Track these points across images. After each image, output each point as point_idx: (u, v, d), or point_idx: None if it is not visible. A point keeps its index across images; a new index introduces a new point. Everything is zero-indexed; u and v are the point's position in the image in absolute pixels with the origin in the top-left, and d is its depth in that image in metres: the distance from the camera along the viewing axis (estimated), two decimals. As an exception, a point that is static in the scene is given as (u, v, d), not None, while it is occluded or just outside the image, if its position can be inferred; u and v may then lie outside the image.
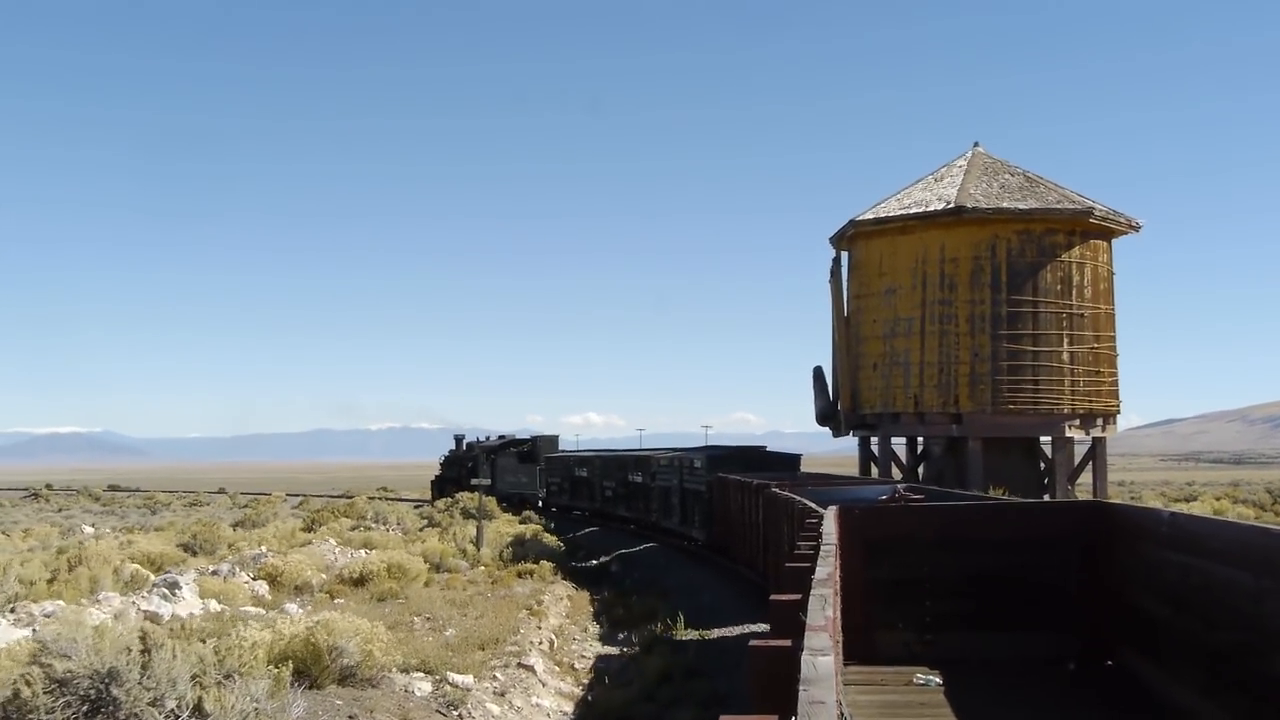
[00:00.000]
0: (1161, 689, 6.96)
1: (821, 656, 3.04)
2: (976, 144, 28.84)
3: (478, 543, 27.53)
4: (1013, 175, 27.27)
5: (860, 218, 27.40)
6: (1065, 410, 25.75)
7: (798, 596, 4.46)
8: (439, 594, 20.45)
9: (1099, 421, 26.72)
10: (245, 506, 67.21)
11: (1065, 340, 25.75)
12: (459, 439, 63.53)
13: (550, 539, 31.19)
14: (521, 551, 27.32)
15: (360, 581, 19.99)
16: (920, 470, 29.07)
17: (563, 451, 51.65)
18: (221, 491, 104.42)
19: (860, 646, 7.90)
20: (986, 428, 25.70)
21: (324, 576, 21.37)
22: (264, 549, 23.29)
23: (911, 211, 26.44)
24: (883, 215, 27.01)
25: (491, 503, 41.29)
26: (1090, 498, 27.02)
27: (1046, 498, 26.10)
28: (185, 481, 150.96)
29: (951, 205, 25.79)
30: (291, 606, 17.20)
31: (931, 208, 26.16)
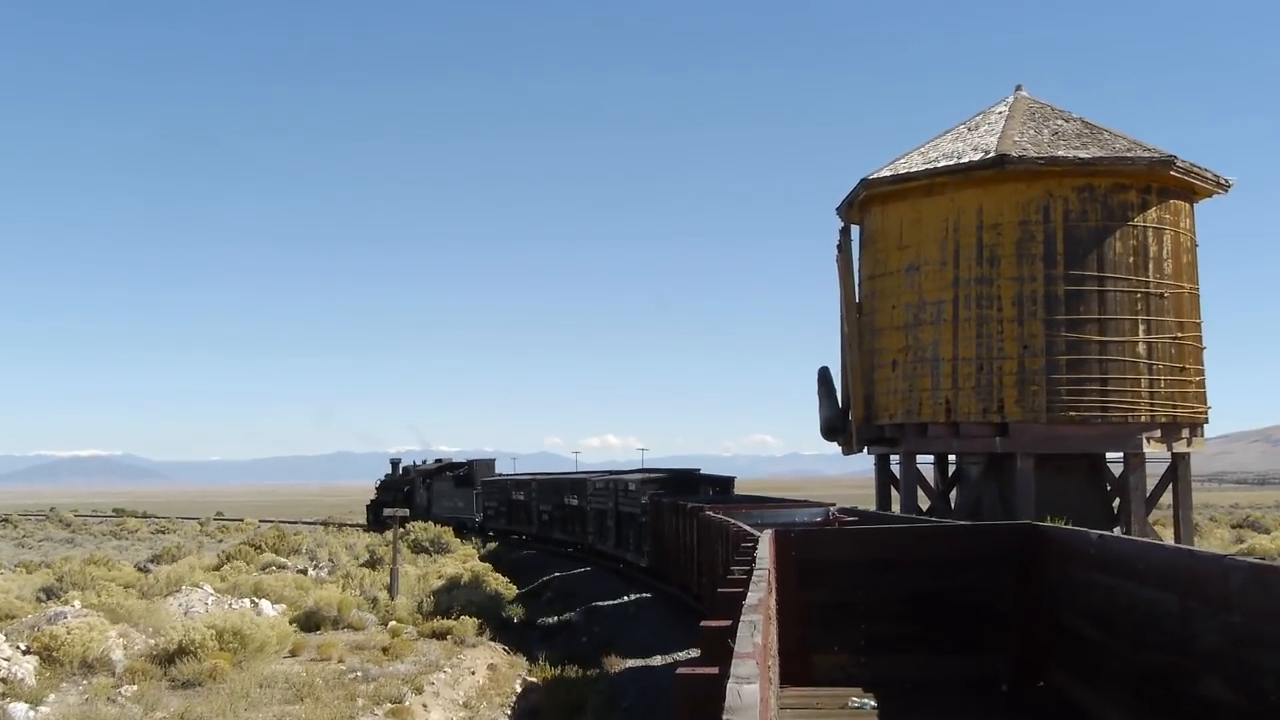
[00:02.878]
0: (1092, 710, 6.91)
1: (747, 685, 2.94)
2: (1019, 87, 23.12)
3: (391, 590, 21.84)
4: (1067, 121, 21.52)
5: (874, 176, 21.68)
6: (1142, 418, 19.89)
7: (728, 622, 4.29)
8: (293, 671, 14.78)
9: (1183, 433, 20.85)
10: (210, 534, 62.08)
11: (1141, 327, 19.93)
12: (395, 463, 61.79)
13: (495, 580, 25.45)
14: (448, 600, 21.62)
15: (175, 656, 14.33)
16: (953, 496, 23.25)
17: (500, 475, 50.38)
18: (219, 516, 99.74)
19: (796, 669, 7.82)
20: (1040, 441, 19.88)
21: (149, 643, 15.72)
22: (76, 604, 17.62)
23: (940, 165, 20.69)
24: (903, 172, 21.28)
25: (447, 533, 35.69)
26: (1174, 541, 21.25)
27: (1118, 531, 20.26)
28: (201, 505, 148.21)
29: (992, 155, 20.06)
30: (19, 709, 11.51)
31: (966, 159, 20.44)
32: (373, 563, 31.63)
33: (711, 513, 16.08)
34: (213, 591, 20.83)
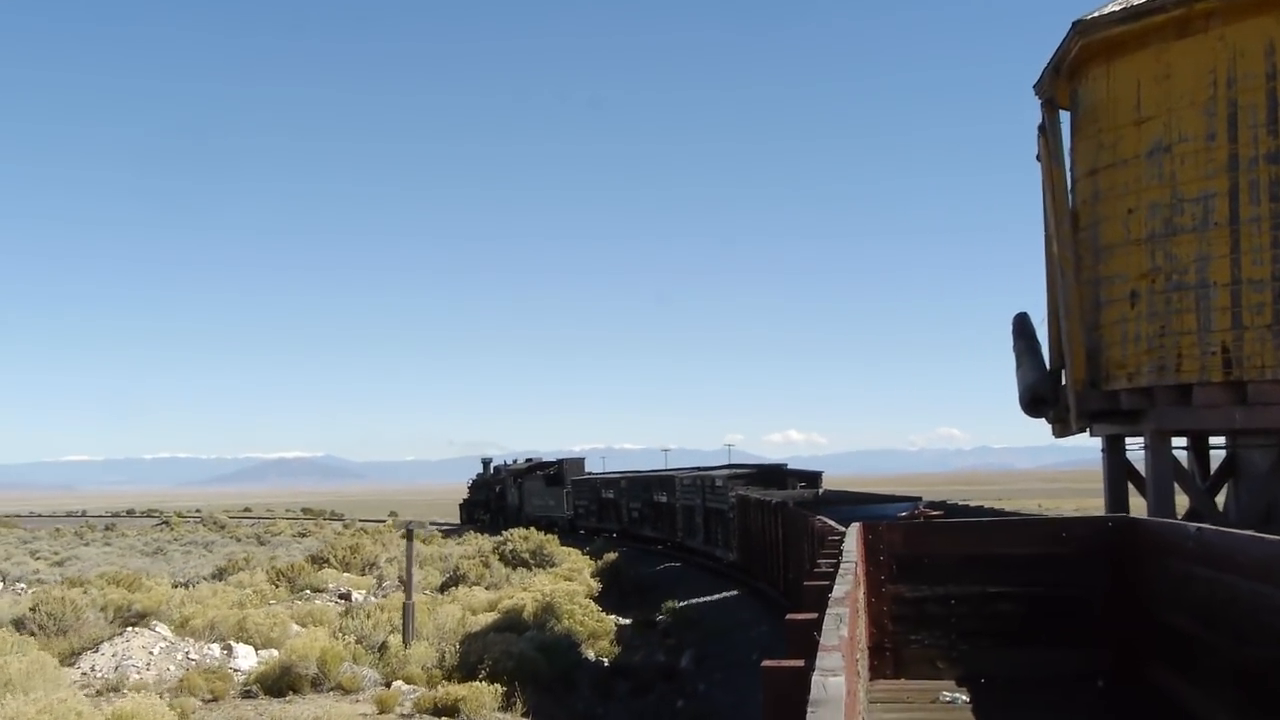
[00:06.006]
0: (1191, 706, 6.62)
1: (832, 677, 2.90)
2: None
3: (405, 634, 15.96)
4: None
5: (1096, 15, 14.48)
6: None
7: (814, 615, 4.28)
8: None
9: None
10: (340, 535, 58.69)
11: None
12: (486, 462, 62.19)
13: (580, 609, 19.28)
14: (482, 646, 15.55)
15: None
16: (1224, 497, 15.76)
17: (589, 474, 50.61)
18: (391, 514, 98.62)
19: (886, 663, 7.74)
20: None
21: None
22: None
23: (1203, -17, 13.38)
24: (1140, 1, 14.03)
25: (551, 543, 29.82)
26: None
27: None
28: (387, 504, 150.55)
29: (1292, -47, 12.65)
30: None
31: (1245, -31, 13.06)
32: (454, 580, 26.07)
33: (797, 507, 15.87)
34: (167, 636, 15.45)
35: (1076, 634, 7.80)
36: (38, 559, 46.75)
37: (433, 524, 70.88)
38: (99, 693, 13.89)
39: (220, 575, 28.85)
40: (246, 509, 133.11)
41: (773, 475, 28.43)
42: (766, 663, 3.47)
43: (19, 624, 19.05)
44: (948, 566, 8.04)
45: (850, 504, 18.74)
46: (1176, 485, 14.88)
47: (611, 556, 30.24)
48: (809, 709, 2.65)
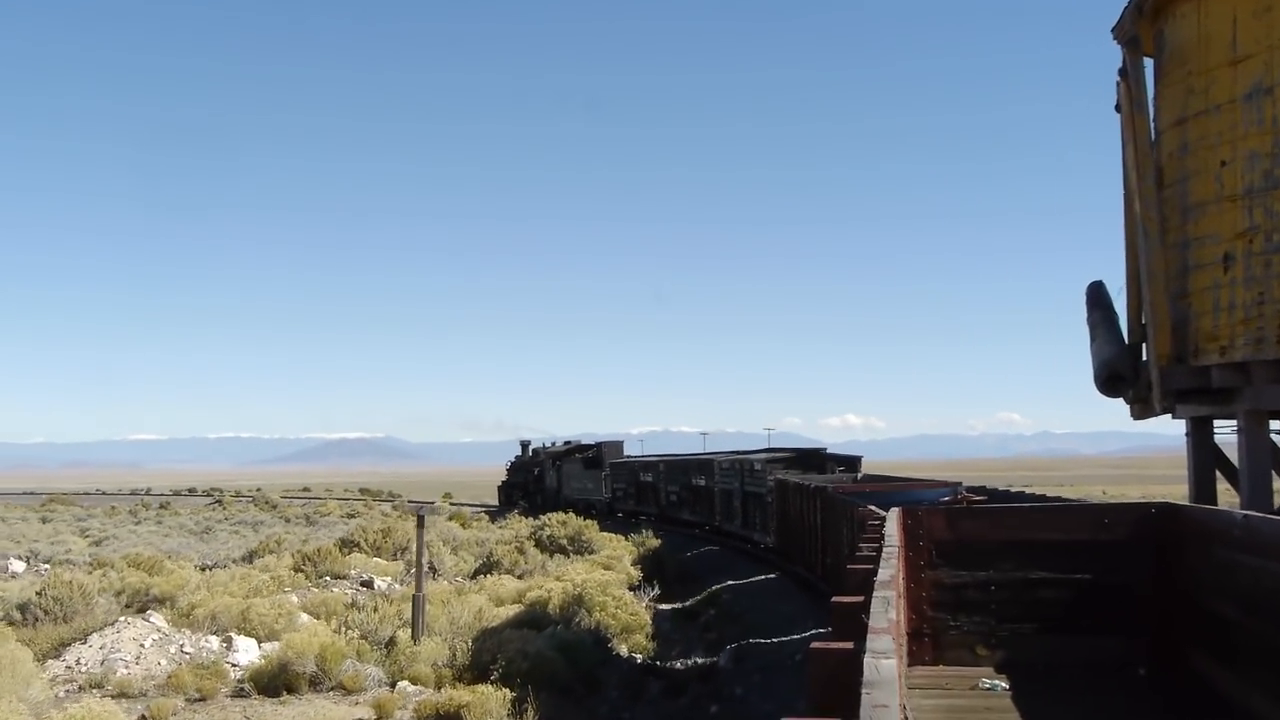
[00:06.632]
0: (1234, 694, 6.53)
1: (884, 659, 2.95)
2: None
3: (414, 629, 14.79)
4: None
5: (1186, -60, 12.82)
6: None
7: (860, 598, 4.38)
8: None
9: None
10: (388, 516, 58.16)
11: None
12: (525, 445, 61.93)
13: (612, 601, 18.04)
14: (497, 643, 14.34)
15: None
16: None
17: (628, 457, 50.35)
18: (446, 495, 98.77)
19: (924, 651, 7.73)
20: None
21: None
22: None
23: (1314, -104, 11.67)
24: (1240, -77, 12.33)
25: (590, 528, 28.64)
26: None
27: None
28: (443, 485, 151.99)
29: None
30: None
31: (1368, -123, 11.32)
32: (488, 567, 24.98)
33: (836, 491, 15.74)
34: (161, 627, 14.41)
35: (1118, 621, 7.70)
36: (86, 537, 46.70)
37: (481, 506, 70.50)
38: (81, 689, 12.94)
39: (251, 558, 28.04)
40: (305, 489, 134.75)
41: (811, 459, 28.25)
42: (815, 644, 3.48)
43: (24, 608, 18.24)
44: (988, 552, 7.93)
45: (889, 488, 18.66)
46: (1274, 473, 13.26)
47: (654, 543, 29.01)
48: (863, 690, 2.66)
